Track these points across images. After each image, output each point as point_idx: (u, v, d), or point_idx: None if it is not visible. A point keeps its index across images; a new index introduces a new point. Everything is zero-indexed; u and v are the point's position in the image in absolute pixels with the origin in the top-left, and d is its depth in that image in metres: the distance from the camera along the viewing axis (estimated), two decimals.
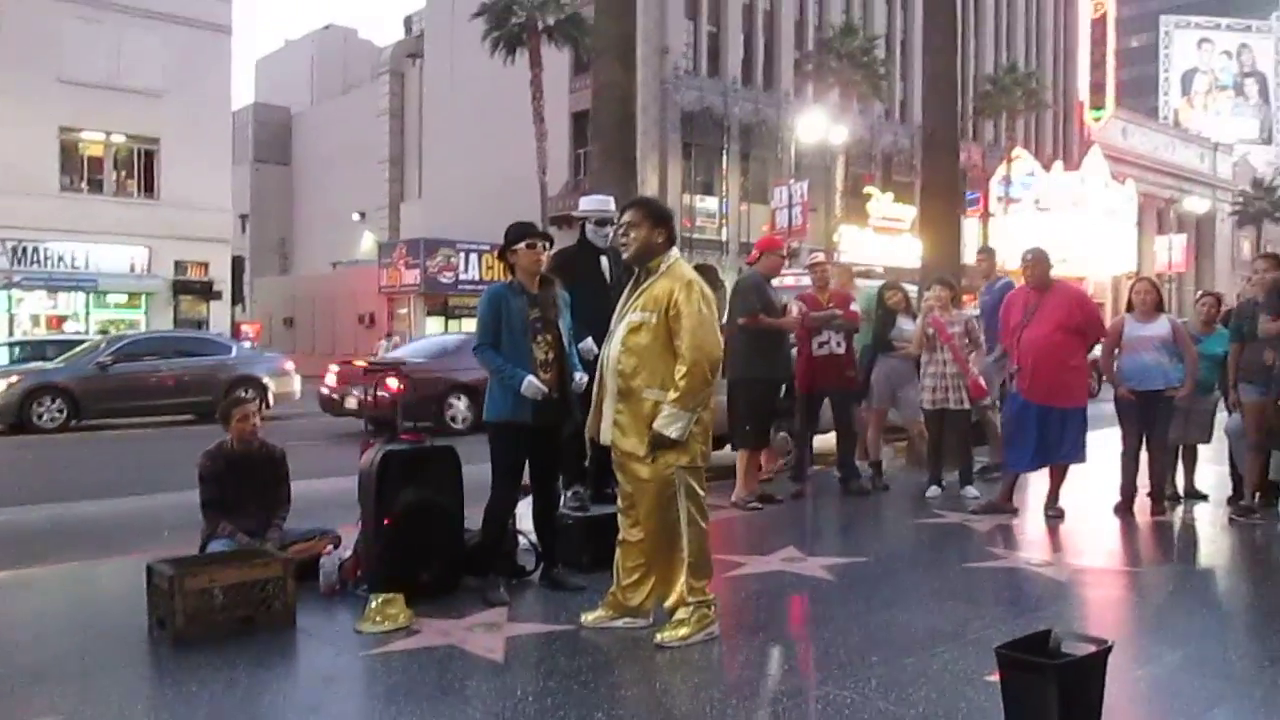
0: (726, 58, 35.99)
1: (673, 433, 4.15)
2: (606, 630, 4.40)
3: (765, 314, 7.28)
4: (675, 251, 4.42)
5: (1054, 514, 7.07)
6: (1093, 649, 3.16)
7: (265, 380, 17.20)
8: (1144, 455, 7.26)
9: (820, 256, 8.68)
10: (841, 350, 7.94)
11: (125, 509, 8.31)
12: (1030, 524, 6.92)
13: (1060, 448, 6.98)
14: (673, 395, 4.15)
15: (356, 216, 50.11)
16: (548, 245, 5.08)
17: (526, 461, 5.04)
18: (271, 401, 16.85)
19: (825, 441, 8.63)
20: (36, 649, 4.30)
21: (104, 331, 24.89)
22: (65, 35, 26.37)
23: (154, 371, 16.41)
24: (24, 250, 26.84)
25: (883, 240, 36.20)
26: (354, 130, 52.08)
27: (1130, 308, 7.36)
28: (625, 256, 4.42)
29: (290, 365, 18.62)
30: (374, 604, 4.54)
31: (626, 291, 4.43)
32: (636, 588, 4.41)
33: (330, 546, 5.31)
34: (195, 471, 5.29)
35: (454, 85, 41.37)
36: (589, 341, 5.14)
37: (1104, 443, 7.99)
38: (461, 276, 34.25)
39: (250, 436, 5.39)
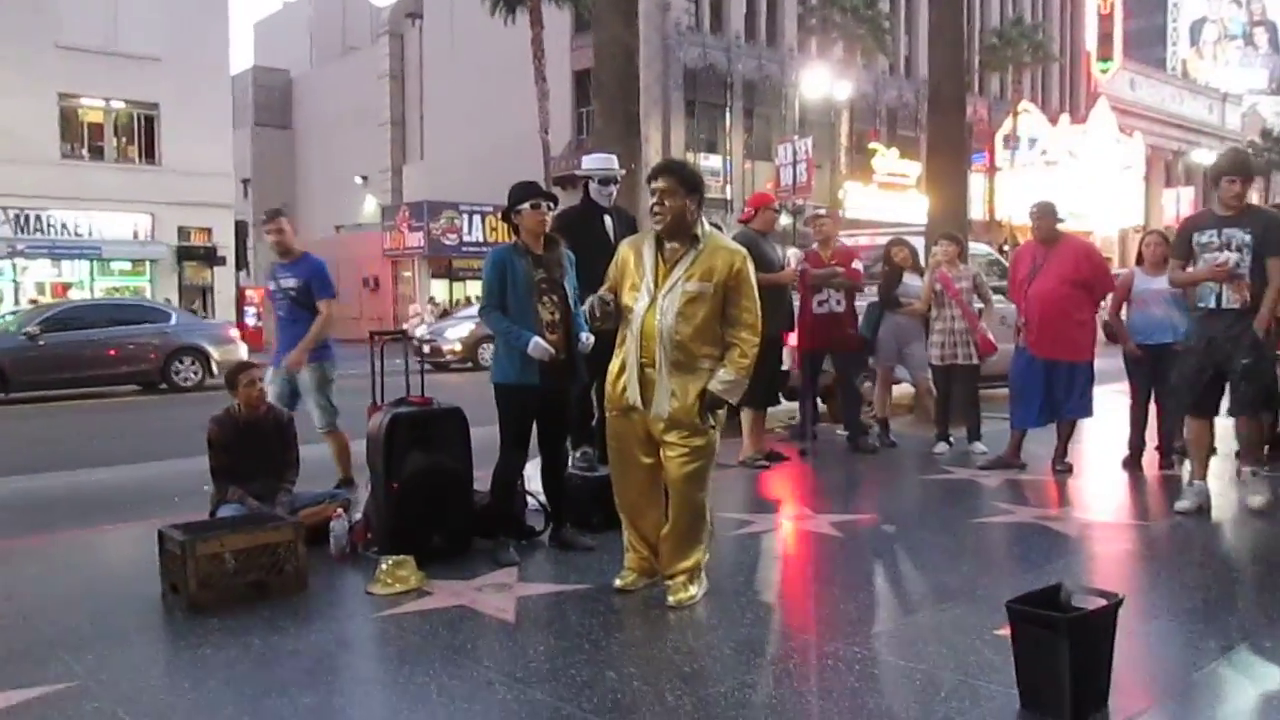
0: (729, 13, 35.65)
1: (732, 397, 4.21)
2: (618, 591, 4.41)
3: (763, 270, 7.23)
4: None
5: (1062, 469, 7.07)
6: (1103, 603, 3.17)
7: (208, 348, 16.53)
8: (1153, 409, 7.24)
9: (822, 211, 8.61)
10: (842, 309, 7.90)
11: (132, 476, 8.33)
12: (1039, 479, 6.92)
13: (1068, 402, 6.98)
14: (740, 360, 4.17)
15: (359, 180, 49.92)
16: (552, 205, 5.03)
17: (534, 423, 5.04)
18: (216, 370, 15.98)
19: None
20: (51, 616, 4.33)
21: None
22: (61, 1, 26.13)
23: (88, 342, 15.67)
24: (26, 219, 26.83)
25: (888, 196, 36.01)
26: (355, 93, 51.74)
27: (1140, 261, 7.32)
28: (659, 226, 4.22)
29: (235, 332, 17.80)
30: (384, 566, 4.55)
31: (653, 257, 4.24)
32: (666, 554, 4.35)
33: (340, 510, 5.31)
34: (202, 437, 5.31)
35: (454, 46, 41.06)
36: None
37: (1112, 397, 7.98)
38: (465, 238, 34.21)
39: (257, 402, 5.39)
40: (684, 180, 4.26)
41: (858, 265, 8.03)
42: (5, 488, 7.72)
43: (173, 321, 17.04)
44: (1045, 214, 7.10)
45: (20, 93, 25.43)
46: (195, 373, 16.35)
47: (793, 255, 7.86)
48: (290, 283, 6.41)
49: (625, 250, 4.41)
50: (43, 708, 3.31)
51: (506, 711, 3.24)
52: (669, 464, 4.20)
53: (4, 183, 25.39)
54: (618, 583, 4.45)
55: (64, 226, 27.36)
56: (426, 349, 20.54)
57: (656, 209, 4.21)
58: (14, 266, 26.78)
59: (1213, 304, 5.63)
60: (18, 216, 26.59)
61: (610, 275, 4.42)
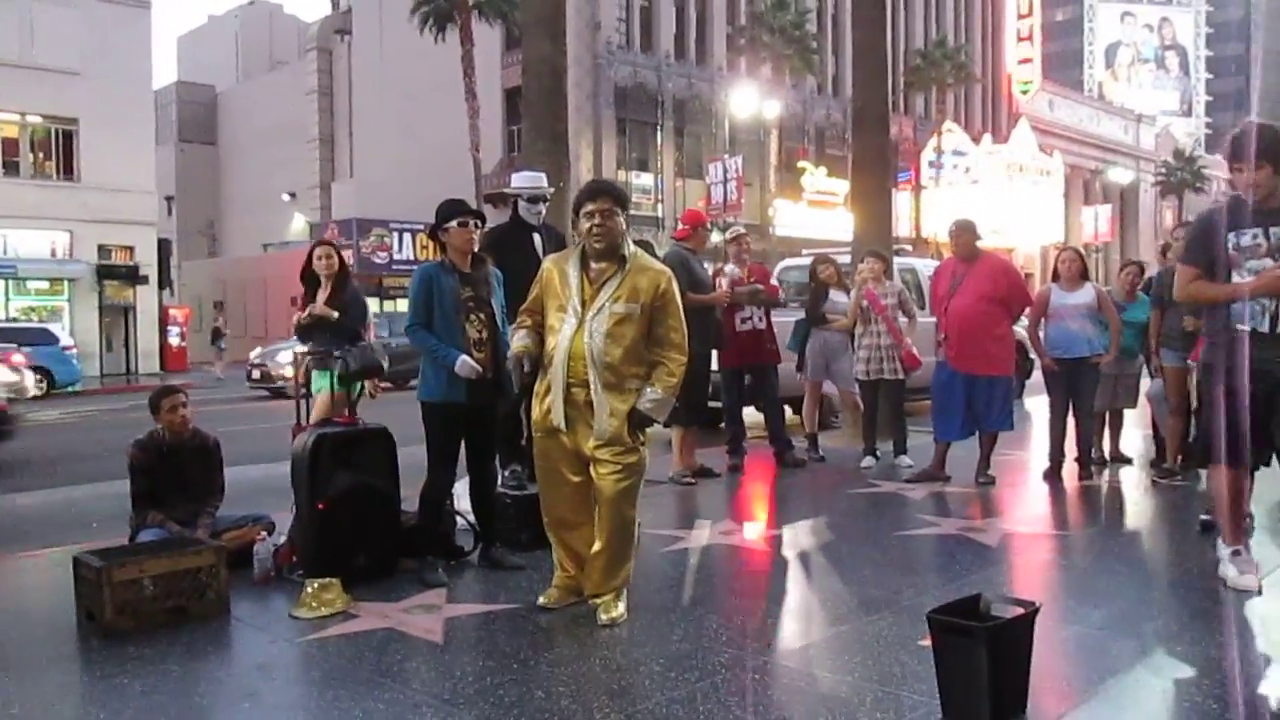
0: (659, 32, 35.91)
1: (659, 415, 4.24)
2: (550, 609, 4.40)
3: (693, 290, 7.29)
4: None
5: (984, 481, 7.22)
6: (1021, 611, 3.24)
7: None
8: (1071, 421, 7.43)
9: (741, 230, 8.68)
10: (763, 325, 8.01)
11: (49, 501, 8.11)
12: (962, 491, 7.05)
13: (988, 416, 7.13)
14: (667, 379, 4.20)
15: (287, 197, 49.17)
16: (479, 223, 5.03)
17: (462, 442, 5.01)
18: None
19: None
20: None
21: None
22: None
23: None
24: None
25: (816, 214, 36.49)
26: (282, 109, 51.01)
27: (1056, 277, 7.52)
28: (599, 246, 4.22)
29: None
30: (309, 589, 4.48)
31: (578, 277, 4.24)
32: (595, 573, 4.33)
33: (264, 533, 5.23)
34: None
35: (384, 62, 40.75)
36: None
37: (1033, 410, 8.16)
38: (395, 256, 33.86)
39: (181, 427, 5.28)
40: (618, 200, 4.31)
41: (774, 281, 8.15)
42: None
43: None
44: (964, 231, 7.26)
45: None
46: None
47: (729, 273, 7.90)
48: None
49: (549, 268, 4.40)
50: None
51: None
52: (602, 481, 4.20)
53: None
54: (541, 600, 4.45)
55: None
56: (256, 374, 18.81)
57: (598, 230, 4.20)
58: None
59: (1265, 326, 4.36)
60: None
61: (533, 293, 4.42)
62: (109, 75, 27.30)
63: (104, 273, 28.50)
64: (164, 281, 30.59)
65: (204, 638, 4.17)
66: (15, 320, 25.42)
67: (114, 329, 28.88)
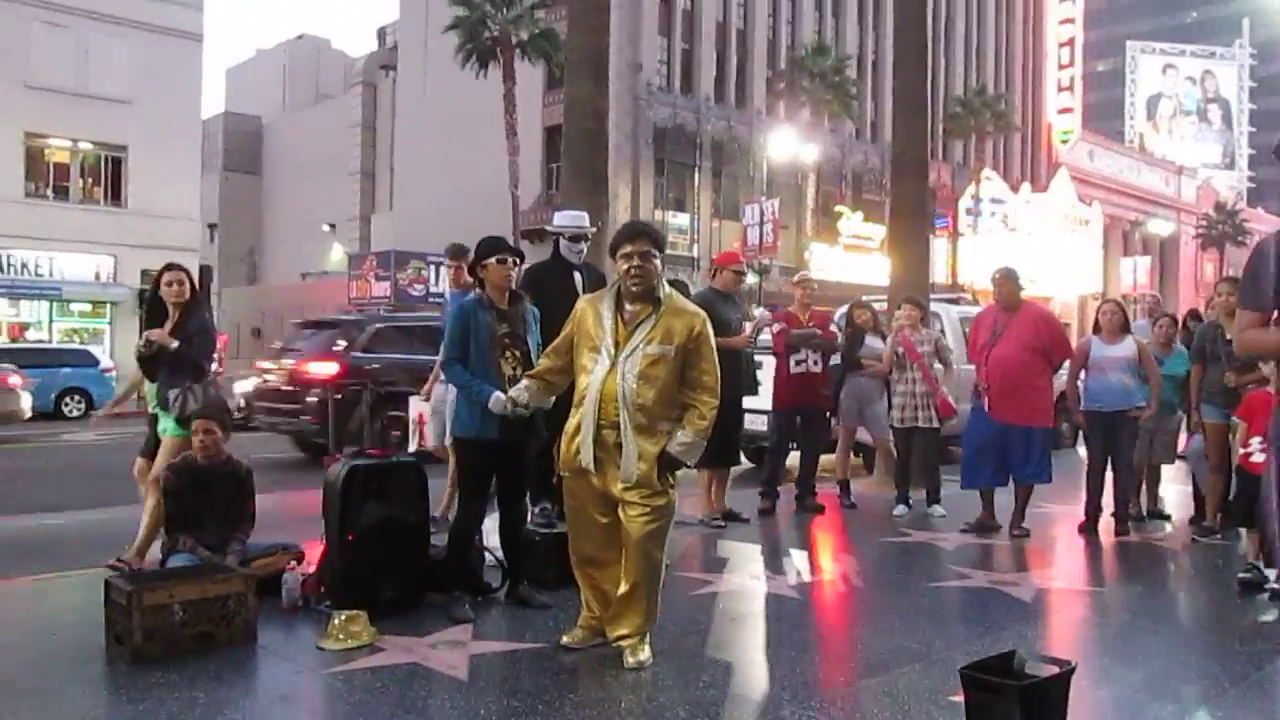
0: (699, 75, 36.22)
1: (690, 458, 4.21)
2: (573, 649, 4.36)
3: (717, 333, 7.24)
4: None
5: (1019, 533, 7.12)
6: (1056, 670, 3.18)
7: None
8: (1109, 475, 7.31)
9: (809, 275, 8.68)
10: (819, 369, 7.97)
11: (83, 522, 8.17)
12: (996, 543, 6.95)
13: (1025, 467, 7.04)
14: (698, 422, 4.18)
15: (326, 228, 49.87)
16: (518, 261, 5.06)
17: (493, 478, 5.01)
18: None
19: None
20: None
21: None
22: (32, 40, 26.09)
23: None
24: None
25: (852, 259, 36.44)
26: (325, 141, 51.90)
27: (1097, 329, 7.44)
28: (637, 289, 4.22)
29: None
30: (336, 621, 4.48)
31: (612, 318, 4.24)
32: (621, 615, 4.30)
33: (293, 562, 5.23)
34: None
35: (427, 98, 41.33)
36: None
37: (1070, 463, 8.05)
38: (432, 289, 34.12)
39: (212, 451, 5.31)
40: (656, 242, 4.31)
41: (833, 328, 8.13)
42: None
43: None
44: (1008, 280, 7.21)
45: None
46: None
47: (759, 316, 7.90)
48: None
49: (583, 307, 4.40)
50: None
51: None
52: (630, 523, 4.17)
53: None
54: (565, 639, 4.41)
55: (24, 266, 27.03)
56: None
57: (636, 271, 4.20)
58: None
59: None
60: None
61: (565, 330, 4.43)
62: (159, 104, 27.86)
63: (145, 297, 28.88)
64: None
65: (230, 666, 4.17)
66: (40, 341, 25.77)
67: None
